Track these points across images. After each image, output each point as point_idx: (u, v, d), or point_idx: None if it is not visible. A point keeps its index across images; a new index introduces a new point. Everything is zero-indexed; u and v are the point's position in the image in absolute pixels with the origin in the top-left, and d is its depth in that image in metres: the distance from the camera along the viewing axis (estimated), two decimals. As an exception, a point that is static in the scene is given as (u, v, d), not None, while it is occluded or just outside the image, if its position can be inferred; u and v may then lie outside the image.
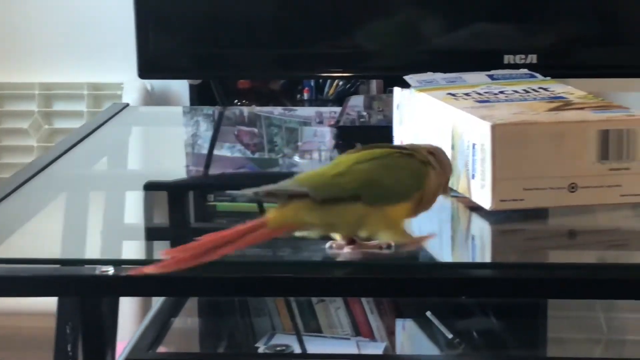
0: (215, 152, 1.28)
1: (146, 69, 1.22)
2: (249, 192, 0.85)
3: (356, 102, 1.36)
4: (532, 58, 1.17)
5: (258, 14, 1.22)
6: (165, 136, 1.41)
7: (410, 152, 0.88)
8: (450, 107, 0.98)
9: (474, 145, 0.94)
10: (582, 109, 0.96)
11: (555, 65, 1.17)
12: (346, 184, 0.85)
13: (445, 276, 0.86)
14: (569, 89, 1.04)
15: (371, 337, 1.82)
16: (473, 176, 0.95)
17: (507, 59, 1.17)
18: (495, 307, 1.76)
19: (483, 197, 0.94)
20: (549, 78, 1.07)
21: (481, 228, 0.95)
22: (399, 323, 1.85)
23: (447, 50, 1.20)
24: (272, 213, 0.84)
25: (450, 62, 1.16)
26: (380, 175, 0.86)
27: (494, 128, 0.92)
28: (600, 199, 0.93)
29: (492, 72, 1.09)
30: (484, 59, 1.16)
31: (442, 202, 0.99)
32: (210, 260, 0.81)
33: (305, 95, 1.95)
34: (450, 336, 1.75)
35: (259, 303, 1.82)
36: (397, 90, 1.10)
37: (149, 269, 0.80)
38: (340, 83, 1.92)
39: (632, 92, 1.55)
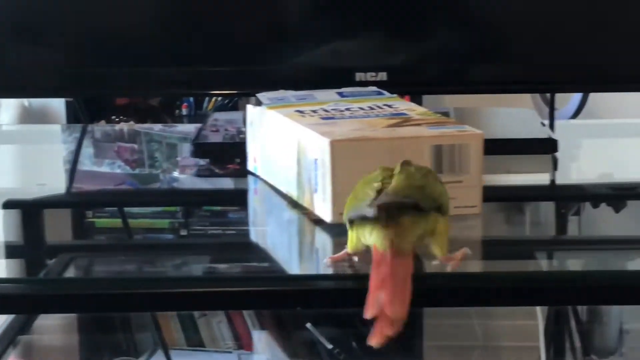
0: (95, 168, 1.30)
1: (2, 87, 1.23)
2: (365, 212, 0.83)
3: (228, 117, 1.39)
4: (383, 75, 1.21)
5: (126, 31, 1.24)
6: (33, 154, 1.42)
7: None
8: (296, 124, 1.02)
9: (315, 160, 0.98)
10: (419, 125, 1.01)
11: (406, 82, 1.21)
12: (430, 194, 0.85)
13: (286, 288, 0.90)
14: (412, 106, 1.08)
15: (252, 349, 1.85)
16: (316, 190, 0.98)
17: (359, 76, 1.21)
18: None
19: (324, 210, 0.97)
20: (395, 95, 1.12)
21: (323, 241, 0.99)
22: (281, 335, 1.88)
23: (306, 67, 1.23)
24: (378, 239, 0.82)
25: (307, 80, 1.20)
26: (441, 187, 0.88)
27: (332, 144, 0.96)
28: (436, 211, 0.98)
29: (343, 89, 1.13)
30: (336, 77, 1.20)
31: (290, 216, 1.03)
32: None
33: (184, 111, 1.98)
34: (330, 347, 1.78)
35: (140, 318, 1.84)
36: (249, 107, 1.13)
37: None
38: (219, 98, 1.95)
39: (499, 107, 1.61)
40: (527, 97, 1.91)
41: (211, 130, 1.34)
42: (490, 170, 1.21)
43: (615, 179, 1.25)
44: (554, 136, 1.28)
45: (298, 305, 0.95)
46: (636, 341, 1.75)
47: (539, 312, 1.76)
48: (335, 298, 0.90)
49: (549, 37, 1.23)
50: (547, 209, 1.18)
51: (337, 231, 0.97)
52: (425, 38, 1.23)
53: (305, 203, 1.01)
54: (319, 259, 0.98)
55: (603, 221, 1.12)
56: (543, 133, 1.29)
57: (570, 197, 1.17)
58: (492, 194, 1.01)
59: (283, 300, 0.91)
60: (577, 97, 1.74)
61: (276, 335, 1.87)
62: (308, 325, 1.82)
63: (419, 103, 1.76)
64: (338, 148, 0.96)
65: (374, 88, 1.14)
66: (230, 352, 1.84)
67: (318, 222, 0.99)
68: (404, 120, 1.02)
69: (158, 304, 0.94)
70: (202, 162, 1.25)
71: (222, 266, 1.00)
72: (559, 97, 1.81)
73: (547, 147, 1.24)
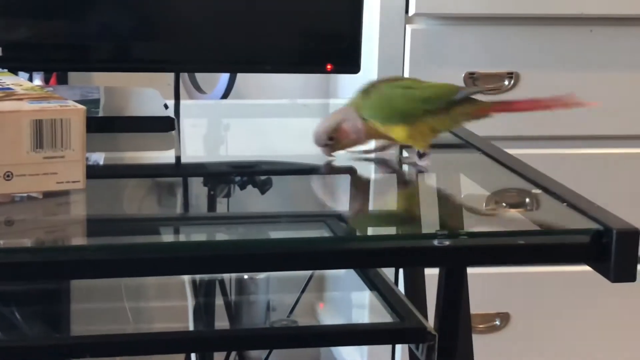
0: None
1: None
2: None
3: None
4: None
5: None
6: None
7: None
8: None
9: None
10: (20, 99, 0.99)
11: (21, 58, 1.19)
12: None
13: None
14: (21, 81, 1.06)
15: None
16: None
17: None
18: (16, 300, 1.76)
19: None
20: (5, 70, 1.10)
21: None
22: None
23: None
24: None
25: None
26: None
27: None
28: (37, 187, 0.97)
29: None
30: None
31: None
32: None
33: None
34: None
35: None
36: None
37: None
38: None
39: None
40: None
41: None
42: (108, 148, 1.21)
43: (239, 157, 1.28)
44: (173, 115, 1.29)
45: None
46: (282, 315, 1.80)
47: (189, 292, 1.78)
48: None
49: (192, 19, 1.25)
50: (176, 186, 1.19)
51: None
52: (48, 15, 1.22)
53: None
54: None
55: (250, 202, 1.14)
56: (164, 112, 1.30)
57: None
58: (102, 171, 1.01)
59: None
60: (225, 78, 1.77)
61: None
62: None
63: (65, 81, 1.75)
64: None
65: (-15, 63, 1.11)
66: None
67: None
68: (6, 94, 1.00)
69: None
70: None
71: None
72: (209, 79, 1.85)
73: (165, 125, 1.25)
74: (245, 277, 1.75)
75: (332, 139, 1.12)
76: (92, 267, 0.89)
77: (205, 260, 0.87)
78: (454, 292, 1.00)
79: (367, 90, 1.13)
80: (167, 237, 1.03)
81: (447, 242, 0.89)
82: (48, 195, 0.98)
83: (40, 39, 1.21)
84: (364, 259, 0.89)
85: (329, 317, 1.62)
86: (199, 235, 1.06)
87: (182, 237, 1.05)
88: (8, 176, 0.95)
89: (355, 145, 1.13)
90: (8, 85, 1.04)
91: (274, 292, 1.79)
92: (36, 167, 0.96)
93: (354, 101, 1.13)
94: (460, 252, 0.88)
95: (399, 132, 1.10)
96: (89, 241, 0.97)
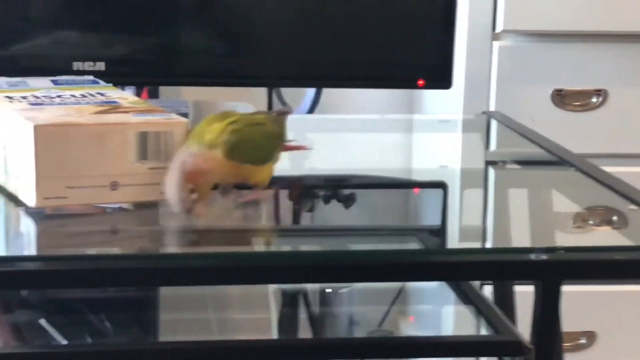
0: None
1: None
2: None
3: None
4: (101, 65, 1.22)
5: None
6: None
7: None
8: (2, 110, 1.01)
9: (20, 145, 0.98)
10: (126, 112, 1.02)
11: (125, 72, 1.23)
12: None
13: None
14: (126, 95, 1.09)
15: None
16: (21, 175, 0.98)
17: (76, 65, 1.21)
18: (107, 308, 1.80)
19: (29, 195, 0.97)
20: (111, 85, 1.13)
21: (27, 225, 0.99)
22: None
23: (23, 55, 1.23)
24: None
25: (27, 68, 1.20)
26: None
27: (35, 128, 0.96)
28: (141, 197, 0.99)
29: (58, 77, 1.13)
30: (54, 64, 1.20)
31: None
32: None
33: None
34: (64, 342, 1.77)
35: None
36: (-38, 93, 1.12)
37: None
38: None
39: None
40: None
41: None
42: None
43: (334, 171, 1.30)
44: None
45: None
46: (365, 329, 1.81)
47: (272, 304, 1.80)
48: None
49: (282, 34, 1.27)
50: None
51: (41, 216, 0.98)
52: (145, 32, 1.25)
53: (10, 188, 1.01)
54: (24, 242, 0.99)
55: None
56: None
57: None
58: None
59: None
60: (311, 93, 1.80)
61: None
62: (42, 321, 1.80)
63: (156, 95, 1.78)
64: (41, 133, 0.96)
65: (90, 77, 1.14)
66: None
67: (22, 206, 0.99)
68: (112, 107, 1.04)
69: None
70: None
71: None
72: (297, 93, 1.87)
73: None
74: (329, 290, 1.76)
75: (193, 189, 0.95)
76: (186, 275, 0.91)
77: (310, 270, 0.89)
78: (550, 307, 1.01)
79: (207, 129, 0.99)
80: (258, 247, 1.05)
81: (544, 257, 0.90)
82: (140, 207, 1.00)
83: (139, 54, 1.25)
84: (461, 271, 0.90)
85: (417, 330, 1.63)
86: (301, 246, 1.08)
87: (273, 248, 1.07)
88: (114, 186, 0.98)
89: (215, 180, 0.99)
90: (114, 98, 1.07)
91: (356, 306, 1.80)
92: (141, 177, 0.99)
93: (190, 141, 0.99)
94: (557, 267, 0.89)
95: (265, 172, 1.03)
96: (182, 250, 0.99)
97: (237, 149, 0.98)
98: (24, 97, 1.05)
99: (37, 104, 1.04)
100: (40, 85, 1.11)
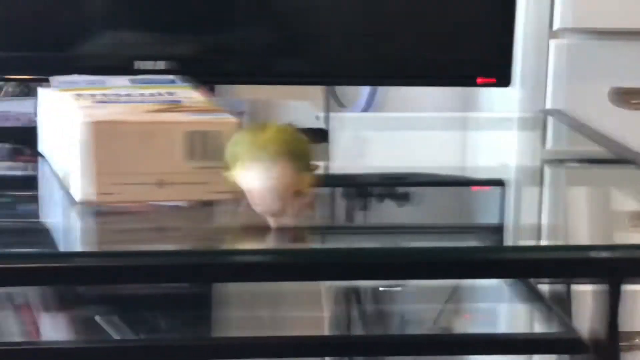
0: None
1: None
2: None
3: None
4: (160, 64, 1.22)
5: None
6: None
7: None
8: (69, 106, 1.02)
9: (78, 140, 0.98)
10: (182, 112, 1.01)
11: (184, 71, 1.22)
12: None
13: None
14: (195, 94, 1.09)
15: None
16: (77, 170, 0.98)
17: (137, 64, 1.22)
18: (161, 304, 1.80)
19: (80, 190, 0.98)
20: (188, 85, 1.12)
21: (85, 219, 1.00)
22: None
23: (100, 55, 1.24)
24: None
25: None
26: None
27: (85, 125, 0.96)
28: (187, 195, 0.99)
29: (138, 76, 1.13)
30: (116, 64, 1.20)
31: (55, 196, 1.03)
32: None
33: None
34: (117, 337, 1.78)
35: None
36: (40, 90, 1.12)
37: None
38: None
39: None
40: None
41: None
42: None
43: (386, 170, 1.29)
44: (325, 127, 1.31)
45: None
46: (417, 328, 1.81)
47: (325, 302, 1.79)
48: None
49: (339, 33, 1.27)
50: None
51: (97, 211, 0.98)
52: (204, 31, 1.25)
53: (67, 184, 1.01)
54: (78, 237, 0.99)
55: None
56: (316, 124, 1.32)
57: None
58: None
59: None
60: (366, 91, 1.79)
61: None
62: (97, 318, 1.81)
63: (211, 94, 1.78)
64: (93, 129, 0.96)
65: (170, 77, 1.14)
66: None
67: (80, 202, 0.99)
68: (173, 107, 1.03)
69: None
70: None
71: None
72: (347, 92, 1.87)
73: (318, 136, 1.27)
74: (381, 288, 1.76)
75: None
76: (241, 272, 0.91)
77: (369, 267, 0.88)
78: (611, 305, 1.00)
79: (261, 139, 0.96)
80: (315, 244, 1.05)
81: (604, 254, 0.89)
82: (192, 205, 1.00)
83: (198, 53, 1.25)
84: (524, 269, 0.89)
85: (472, 327, 1.62)
86: (358, 244, 1.07)
87: (331, 245, 1.07)
88: (161, 184, 0.98)
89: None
90: (179, 98, 1.06)
91: (410, 304, 1.80)
92: (187, 176, 0.98)
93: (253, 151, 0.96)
94: (622, 265, 0.88)
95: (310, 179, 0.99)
96: (237, 246, 0.99)
97: (303, 158, 0.96)
98: (92, 95, 1.05)
99: (102, 101, 1.04)
100: (117, 83, 1.11)
